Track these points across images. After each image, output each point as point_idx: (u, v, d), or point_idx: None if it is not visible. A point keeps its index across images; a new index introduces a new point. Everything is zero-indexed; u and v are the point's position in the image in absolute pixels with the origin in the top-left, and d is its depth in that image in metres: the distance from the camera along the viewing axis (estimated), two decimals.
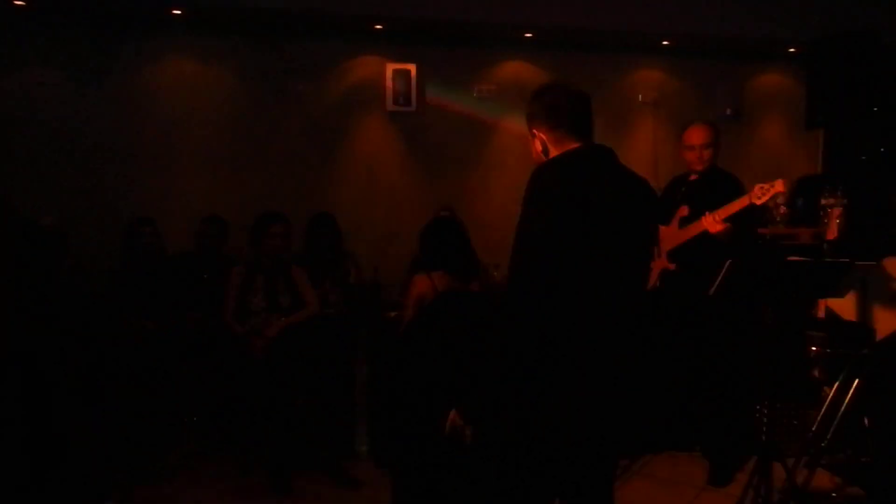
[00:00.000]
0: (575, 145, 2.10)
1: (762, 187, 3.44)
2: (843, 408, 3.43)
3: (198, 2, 4.53)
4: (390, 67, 5.18)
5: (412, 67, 5.17)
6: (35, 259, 3.61)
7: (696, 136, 3.73)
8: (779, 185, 3.43)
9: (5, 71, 4.69)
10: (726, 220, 3.48)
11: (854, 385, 3.41)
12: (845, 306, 3.63)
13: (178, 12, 4.64)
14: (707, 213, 3.51)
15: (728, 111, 5.67)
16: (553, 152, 2.13)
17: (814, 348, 3.37)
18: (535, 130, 2.16)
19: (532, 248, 1.91)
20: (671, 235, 3.74)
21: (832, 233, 3.63)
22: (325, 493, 3.57)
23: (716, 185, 3.69)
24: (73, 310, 3.95)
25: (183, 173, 4.45)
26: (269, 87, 5.09)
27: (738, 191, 3.63)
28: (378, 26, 4.99)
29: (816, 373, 3.79)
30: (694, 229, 3.60)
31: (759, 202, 3.46)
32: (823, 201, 3.80)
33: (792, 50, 5.46)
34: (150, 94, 4.91)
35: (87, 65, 4.80)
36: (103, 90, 4.82)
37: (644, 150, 5.57)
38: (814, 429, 3.57)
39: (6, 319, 3.49)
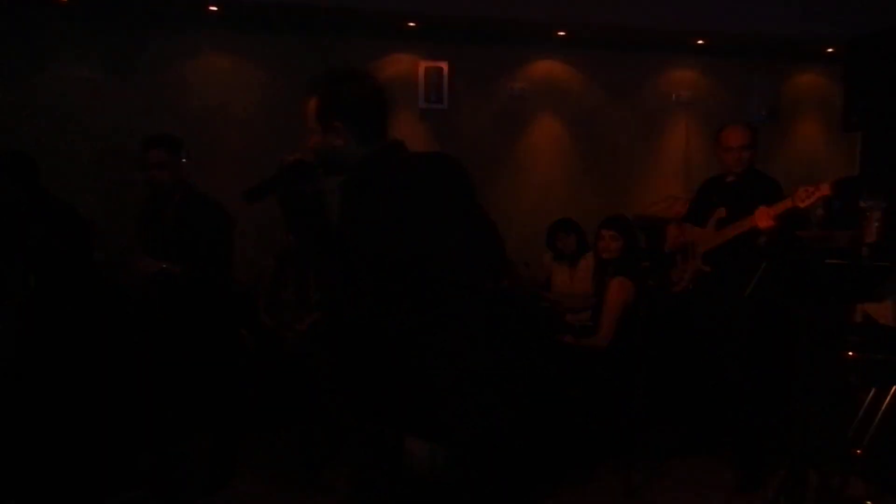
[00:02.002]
0: (383, 141, 2.01)
1: (807, 190, 3.29)
2: (879, 414, 3.37)
3: None
4: (422, 65, 5.19)
5: (444, 65, 5.18)
6: (73, 242, 3.69)
7: (735, 137, 3.58)
8: (824, 189, 3.26)
9: (44, 66, 4.77)
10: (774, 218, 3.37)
11: (892, 391, 3.35)
12: (884, 311, 3.55)
13: (215, 9, 4.69)
14: (763, 206, 3.35)
15: (763, 112, 5.58)
16: (359, 150, 2.00)
17: (851, 353, 3.31)
18: (337, 124, 1.99)
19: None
20: (708, 237, 3.66)
21: (871, 236, 3.55)
22: None
23: (754, 187, 3.58)
24: (105, 302, 4.01)
25: (216, 168, 4.49)
26: (302, 83, 5.09)
27: (778, 193, 3.54)
28: (411, 24, 5.00)
29: (853, 378, 3.73)
30: (735, 228, 3.49)
31: (802, 205, 3.30)
32: (862, 204, 3.72)
33: (829, 49, 5.37)
34: (184, 89, 4.97)
35: (124, 60, 4.86)
36: (139, 85, 4.89)
37: (677, 150, 5.51)
38: (849, 435, 3.52)
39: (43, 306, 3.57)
